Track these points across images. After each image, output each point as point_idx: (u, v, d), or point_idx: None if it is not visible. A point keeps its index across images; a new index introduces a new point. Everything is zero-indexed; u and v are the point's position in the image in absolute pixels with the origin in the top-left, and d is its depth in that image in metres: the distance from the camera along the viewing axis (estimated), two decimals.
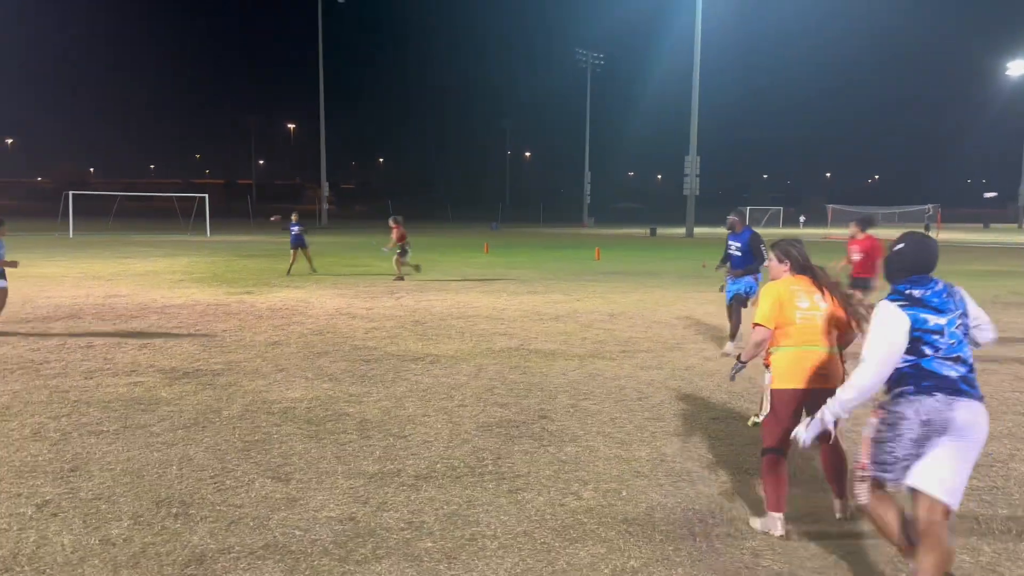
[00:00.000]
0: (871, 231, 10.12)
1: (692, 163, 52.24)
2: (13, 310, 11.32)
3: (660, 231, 53.88)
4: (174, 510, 4.10)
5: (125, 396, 6.48)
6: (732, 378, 4.47)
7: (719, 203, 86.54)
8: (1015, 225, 70.39)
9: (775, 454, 3.93)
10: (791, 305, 3.98)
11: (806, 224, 75.18)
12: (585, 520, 4.06)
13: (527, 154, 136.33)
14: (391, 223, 17.46)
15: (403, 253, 17.17)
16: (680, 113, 55.45)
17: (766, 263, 5.83)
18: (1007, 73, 68.43)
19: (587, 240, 41.61)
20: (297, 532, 3.84)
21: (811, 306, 3.98)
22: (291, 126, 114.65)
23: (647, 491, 4.50)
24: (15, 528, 3.87)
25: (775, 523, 3.88)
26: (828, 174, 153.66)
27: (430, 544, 3.73)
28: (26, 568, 3.46)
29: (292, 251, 18.32)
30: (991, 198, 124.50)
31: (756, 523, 3.98)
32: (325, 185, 62.25)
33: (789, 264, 4.18)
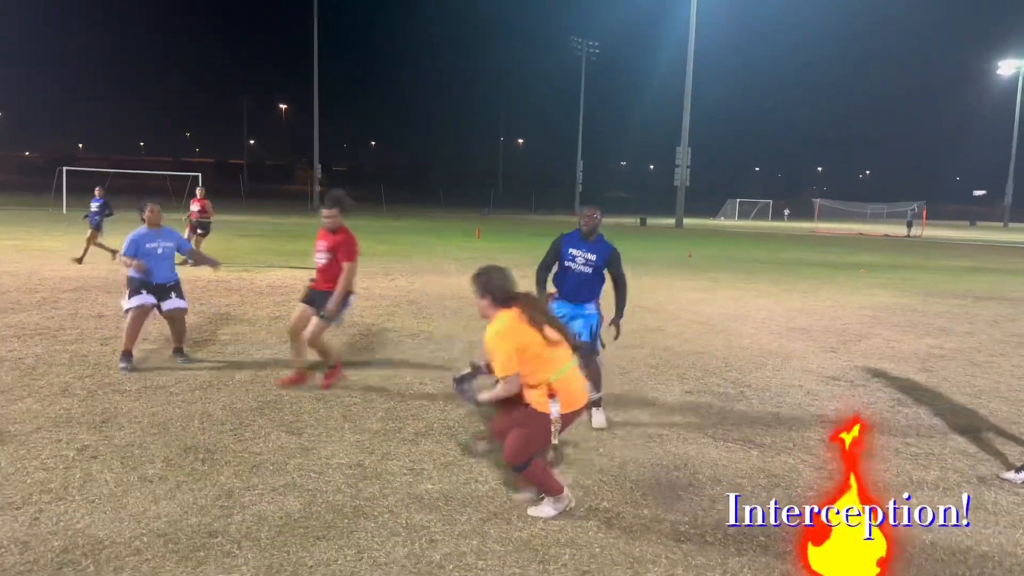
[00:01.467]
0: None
1: (684, 154, 52.70)
2: (21, 281, 11.77)
3: (650, 221, 54.42)
4: (200, 456, 4.63)
5: (140, 361, 6.97)
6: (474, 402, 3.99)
7: (710, 195, 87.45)
8: (1002, 224, 71.37)
9: (537, 458, 3.89)
10: (531, 334, 3.70)
11: (790, 218, 76.15)
12: (566, 470, 4.62)
13: (520, 141, 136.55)
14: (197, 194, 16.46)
15: (204, 231, 16.34)
16: (674, 104, 55.98)
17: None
18: (998, 72, 69.18)
19: None
20: (312, 474, 4.39)
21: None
22: (283, 106, 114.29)
23: (622, 449, 5.06)
24: (61, 467, 4.39)
25: (564, 500, 3.95)
26: (819, 168, 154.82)
27: (430, 486, 4.29)
28: (76, 498, 3.98)
29: (92, 232, 15.42)
30: (980, 196, 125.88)
31: (548, 509, 3.91)
32: (318, 167, 62.23)
33: (490, 297, 3.80)
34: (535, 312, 3.77)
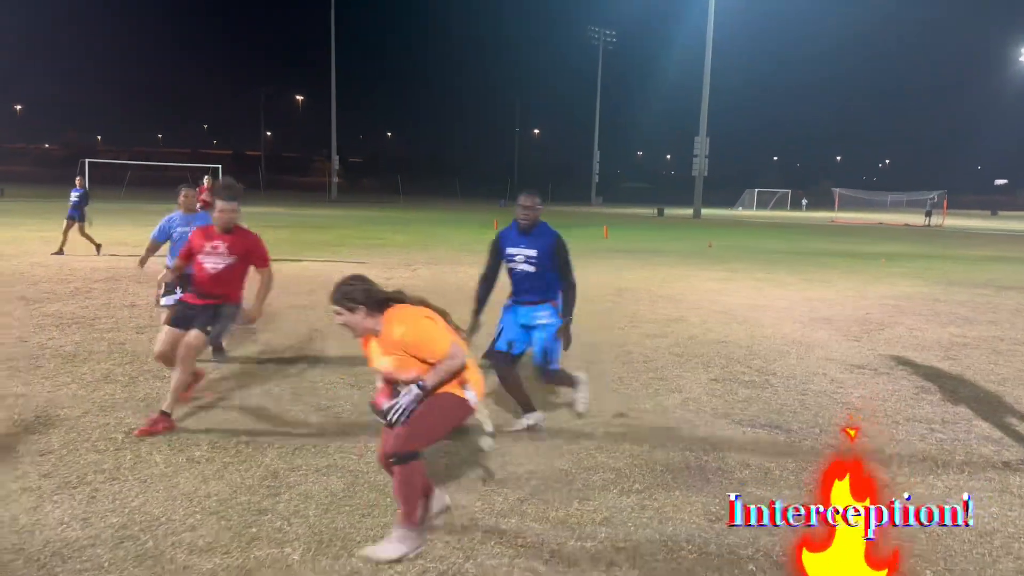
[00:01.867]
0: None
1: (702, 143, 52.66)
2: (52, 271, 12.04)
3: (668, 211, 54.38)
4: (244, 439, 4.80)
5: None
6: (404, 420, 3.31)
7: (728, 185, 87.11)
8: (1023, 213, 70.57)
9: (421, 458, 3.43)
10: (437, 317, 3.55)
11: (808, 207, 75.88)
12: (596, 455, 4.75)
13: (536, 131, 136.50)
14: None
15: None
16: (691, 93, 55.78)
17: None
18: (1021, 60, 68.28)
19: (595, 219, 42.15)
20: (353, 456, 4.55)
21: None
22: (300, 98, 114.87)
23: (649, 435, 5.17)
24: (112, 449, 4.57)
25: (415, 539, 3.39)
26: (839, 158, 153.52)
27: (467, 469, 4.43)
28: (129, 478, 4.15)
29: (66, 222, 15.22)
30: (1001, 185, 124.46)
31: (391, 549, 3.32)
32: (335, 159, 62.67)
33: (363, 308, 3.39)
34: (424, 303, 3.53)
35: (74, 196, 15.64)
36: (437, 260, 16.09)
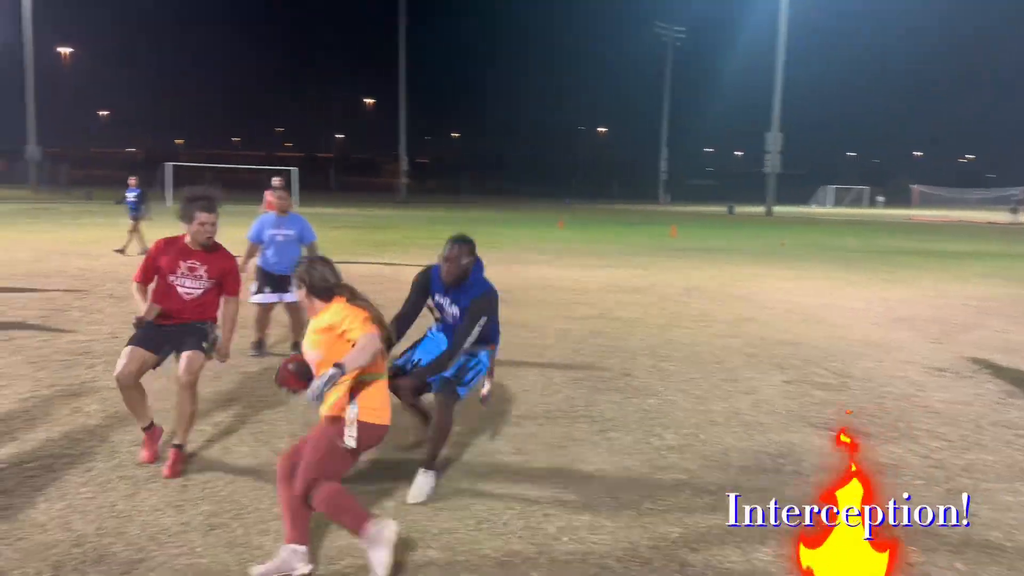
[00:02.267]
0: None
1: (774, 140, 51.78)
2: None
3: (738, 209, 53.43)
4: None
5: (271, 346, 7.37)
6: (316, 398, 3.17)
7: (802, 182, 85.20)
8: None
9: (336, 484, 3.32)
10: (358, 314, 3.43)
11: (884, 204, 73.65)
12: (667, 455, 4.75)
13: (601, 130, 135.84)
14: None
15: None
16: (762, 88, 54.65)
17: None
18: None
19: (662, 217, 41.75)
20: (419, 452, 4.64)
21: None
22: (369, 101, 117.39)
23: (722, 437, 5.14)
24: (201, 440, 4.80)
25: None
26: (919, 153, 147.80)
27: (537, 466, 4.50)
28: (217, 469, 4.36)
29: (133, 223, 15.55)
30: None
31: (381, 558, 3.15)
32: (404, 160, 64.02)
33: (307, 289, 3.45)
34: (361, 300, 3.52)
35: (131, 196, 16.03)
36: (501, 260, 16.21)
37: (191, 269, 4.39)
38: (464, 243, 4.12)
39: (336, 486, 3.27)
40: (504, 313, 9.83)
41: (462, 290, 4.14)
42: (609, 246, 21.30)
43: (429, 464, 4.04)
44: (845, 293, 12.32)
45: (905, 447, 5.03)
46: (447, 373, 4.05)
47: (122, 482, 4.13)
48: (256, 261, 7.13)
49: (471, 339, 4.09)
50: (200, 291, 4.42)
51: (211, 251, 4.45)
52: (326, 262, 3.57)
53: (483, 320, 4.09)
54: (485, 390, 4.06)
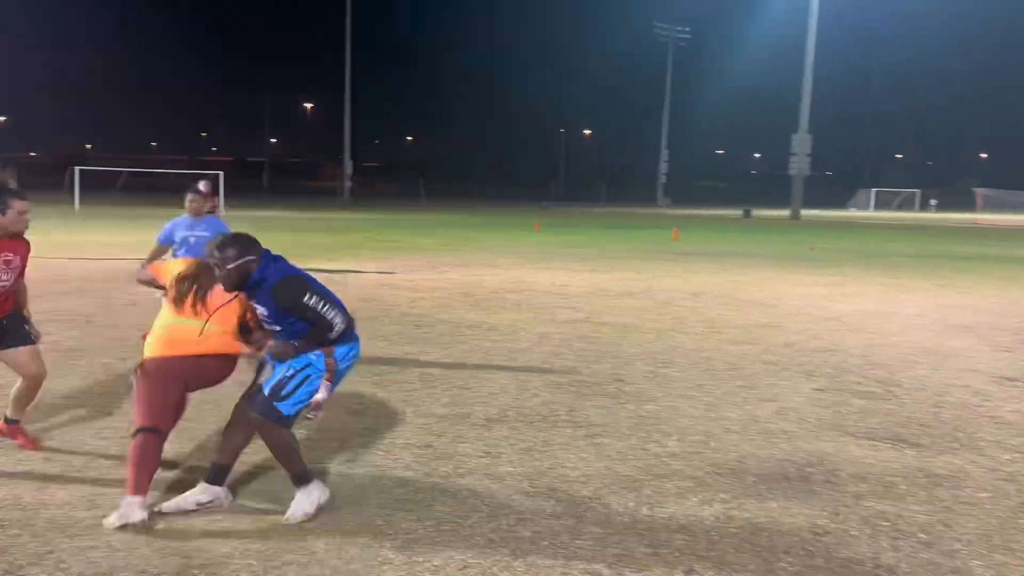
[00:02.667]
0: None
1: (801, 141, 54.18)
2: (51, 273, 12.57)
3: (755, 212, 54.37)
4: None
5: None
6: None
7: (834, 184, 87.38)
8: None
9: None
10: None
11: (937, 208, 76.55)
12: (670, 462, 4.80)
13: (586, 132, 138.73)
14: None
15: None
16: (785, 85, 56.61)
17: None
18: None
19: (662, 220, 42.30)
20: (379, 452, 4.86)
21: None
22: (308, 105, 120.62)
23: (738, 444, 5.19)
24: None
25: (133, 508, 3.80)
26: (983, 155, 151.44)
27: (510, 469, 4.59)
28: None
29: None
30: None
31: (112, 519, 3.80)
32: (348, 161, 66.75)
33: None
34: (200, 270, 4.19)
35: None
36: (468, 263, 16.34)
37: (7, 262, 4.70)
38: (227, 246, 4.04)
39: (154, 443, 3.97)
40: (471, 316, 10.00)
41: (255, 291, 4.11)
42: (594, 250, 21.55)
43: (296, 481, 4.03)
44: (893, 299, 12.54)
45: (966, 458, 5.12)
46: (265, 389, 4.03)
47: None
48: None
49: (324, 318, 4.00)
50: (11, 282, 4.76)
51: (20, 239, 4.78)
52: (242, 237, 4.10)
53: (308, 303, 3.98)
54: (318, 397, 3.96)
